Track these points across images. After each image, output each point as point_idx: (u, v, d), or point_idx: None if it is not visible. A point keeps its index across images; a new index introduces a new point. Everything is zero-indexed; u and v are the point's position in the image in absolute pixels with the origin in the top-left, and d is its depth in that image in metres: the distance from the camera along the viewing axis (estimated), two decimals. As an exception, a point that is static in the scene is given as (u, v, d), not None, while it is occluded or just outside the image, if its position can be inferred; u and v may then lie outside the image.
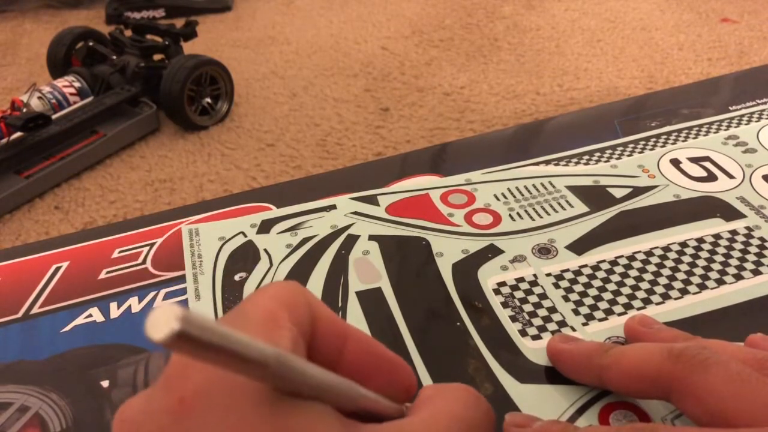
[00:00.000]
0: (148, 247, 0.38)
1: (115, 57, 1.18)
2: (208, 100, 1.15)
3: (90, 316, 0.33)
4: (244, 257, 0.36)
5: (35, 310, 0.34)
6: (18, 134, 0.99)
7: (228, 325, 0.17)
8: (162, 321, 0.12)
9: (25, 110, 1.02)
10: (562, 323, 0.31)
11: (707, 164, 0.42)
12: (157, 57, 1.19)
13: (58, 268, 0.37)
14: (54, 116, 1.04)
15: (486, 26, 1.47)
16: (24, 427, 0.28)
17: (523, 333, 0.31)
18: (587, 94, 1.17)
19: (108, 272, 0.36)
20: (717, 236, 0.36)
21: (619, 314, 0.31)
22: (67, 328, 0.33)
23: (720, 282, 0.33)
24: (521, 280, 0.34)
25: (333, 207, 0.40)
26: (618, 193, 0.40)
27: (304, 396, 0.16)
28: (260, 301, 0.18)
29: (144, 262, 0.37)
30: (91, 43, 1.20)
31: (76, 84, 1.13)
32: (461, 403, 0.20)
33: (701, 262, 0.34)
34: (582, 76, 1.24)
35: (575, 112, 0.53)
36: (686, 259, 0.34)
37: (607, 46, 1.34)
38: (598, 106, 0.52)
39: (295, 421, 0.16)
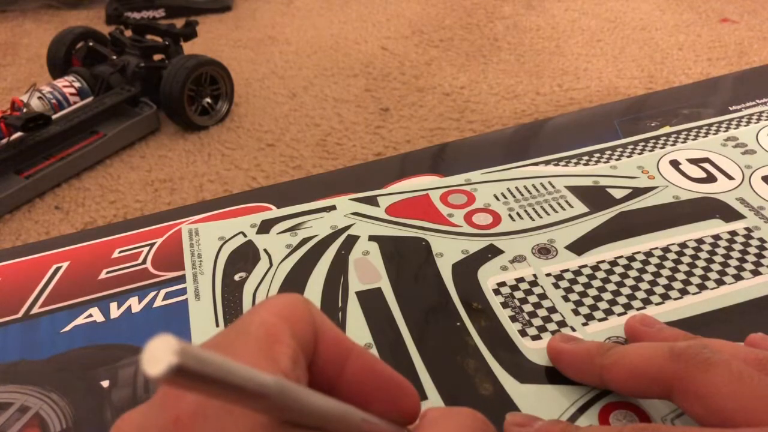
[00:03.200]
0: (148, 247, 0.38)
1: (115, 57, 1.18)
2: (208, 100, 1.15)
3: (90, 316, 0.33)
4: (244, 257, 0.36)
5: (35, 310, 0.34)
6: (18, 134, 0.99)
7: (227, 341, 0.17)
8: (158, 355, 0.11)
9: (25, 110, 1.02)
10: (561, 323, 0.31)
11: (707, 165, 0.42)
12: (157, 57, 1.19)
13: (58, 268, 0.37)
14: (54, 116, 1.05)
15: (486, 26, 1.47)
16: (24, 427, 0.28)
17: (523, 333, 0.31)
18: (587, 94, 1.17)
19: (108, 272, 0.36)
20: (716, 237, 0.36)
21: (619, 314, 0.31)
22: (67, 328, 0.33)
23: (719, 282, 0.33)
24: (521, 280, 0.34)
25: (333, 207, 0.40)
26: (618, 193, 0.40)
27: (305, 423, 0.16)
28: (261, 315, 0.17)
29: (144, 262, 0.37)
30: (91, 43, 1.20)
31: (76, 84, 1.13)
32: (467, 429, 0.19)
33: (701, 263, 0.34)
34: (582, 76, 1.24)
35: (575, 112, 0.53)
36: (686, 259, 0.34)
37: (607, 46, 1.34)
38: (598, 106, 0.52)
39: None
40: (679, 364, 0.23)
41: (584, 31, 1.42)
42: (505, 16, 1.51)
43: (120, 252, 0.38)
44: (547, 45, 1.36)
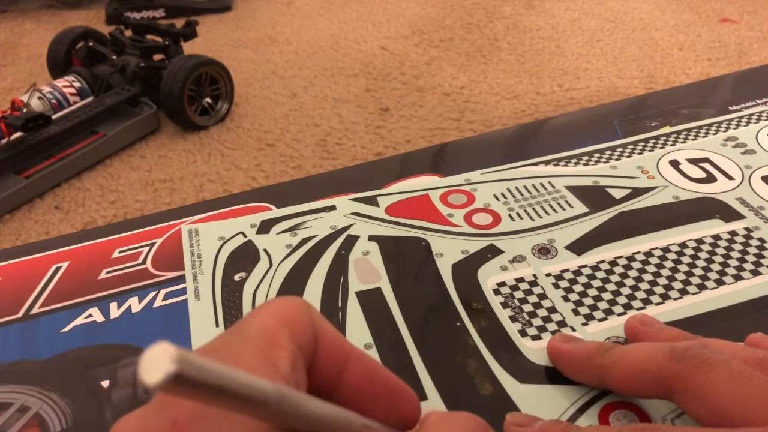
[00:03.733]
0: (148, 247, 0.38)
1: (115, 57, 1.18)
2: (208, 100, 1.15)
3: (90, 316, 0.33)
4: (244, 257, 0.36)
5: (35, 310, 0.34)
6: (18, 134, 0.99)
7: (226, 344, 0.17)
8: (156, 362, 0.11)
9: (25, 110, 1.02)
10: (561, 323, 0.31)
11: (706, 165, 0.42)
12: (157, 57, 1.19)
13: (58, 268, 0.37)
14: (54, 116, 1.04)
15: (486, 26, 1.47)
16: (24, 427, 0.28)
17: (522, 333, 0.31)
18: (587, 94, 1.17)
19: (108, 272, 0.36)
20: (716, 237, 0.36)
21: (619, 314, 0.31)
22: (67, 328, 0.33)
23: (719, 282, 0.33)
24: (521, 280, 0.34)
25: (333, 208, 0.40)
26: (617, 193, 0.40)
27: (304, 430, 0.16)
28: (261, 318, 0.17)
29: (144, 262, 0.37)
30: (91, 43, 1.20)
31: (76, 84, 1.13)
32: None
33: (701, 263, 0.34)
34: (582, 76, 1.23)
35: (575, 112, 0.53)
36: (686, 259, 0.34)
37: (607, 46, 1.34)
38: (598, 106, 0.52)
39: None
40: (680, 364, 0.23)
41: (584, 31, 1.42)
42: (505, 16, 1.51)
43: (120, 252, 0.38)
44: (547, 45, 1.36)
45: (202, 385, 0.12)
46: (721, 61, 1.25)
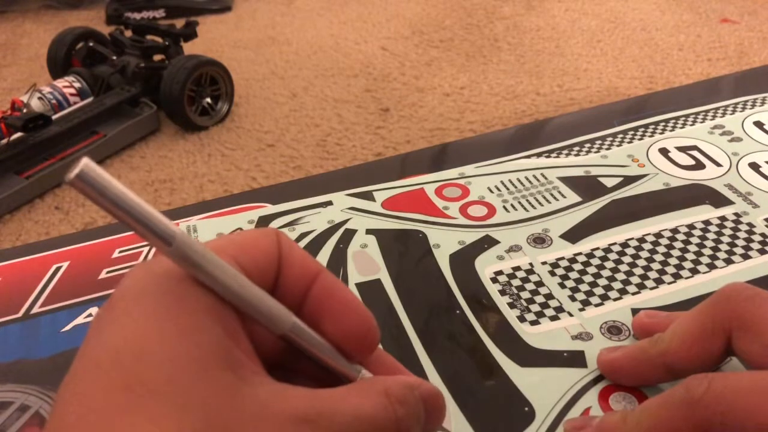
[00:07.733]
0: (148, 247, 0.38)
1: (115, 57, 1.18)
2: (209, 100, 1.15)
3: (90, 315, 0.33)
4: None
5: (36, 309, 0.34)
6: (18, 134, 0.99)
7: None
8: (75, 168, 0.15)
9: (25, 111, 1.02)
10: (559, 309, 0.31)
11: (695, 153, 0.43)
12: (157, 57, 1.19)
13: (58, 268, 0.37)
14: (54, 117, 1.05)
15: (486, 27, 1.47)
16: (24, 426, 0.28)
17: (521, 319, 0.31)
18: (587, 94, 1.17)
19: (108, 272, 0.36)
20: (707, 222, 0.36)
21: (615, 299, 0.32)
22: (67, 328, 0.33)
23: (711, 267, 0.33)
24: (518, 268, 0.34)
25: (329, 203, 0.40)
26: (609, 182, 0.40)
27: (229, 301, 0.17)
28: (216, 241, 0.19)
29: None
30: (91, 44, 1.21)
31: (77, 84, 1.13)
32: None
33: (692, 248, 0.35)
34: (582, 76, 1.24)
35: (575, 112, 0.53)
36: (678, 245, 0.35)
37: (607, 47, 1.34)
38: (598, 107, 0.52)
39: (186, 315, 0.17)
40: (729, 304, 0.23)
41: (584, 32, 1.42)
42: (505, 17, 1.51)
43: (120, 252, 0.38)
44: (547, 45, 1.36)
45: (100, 192, 0.15)
46: (722, 61, 1.25)
